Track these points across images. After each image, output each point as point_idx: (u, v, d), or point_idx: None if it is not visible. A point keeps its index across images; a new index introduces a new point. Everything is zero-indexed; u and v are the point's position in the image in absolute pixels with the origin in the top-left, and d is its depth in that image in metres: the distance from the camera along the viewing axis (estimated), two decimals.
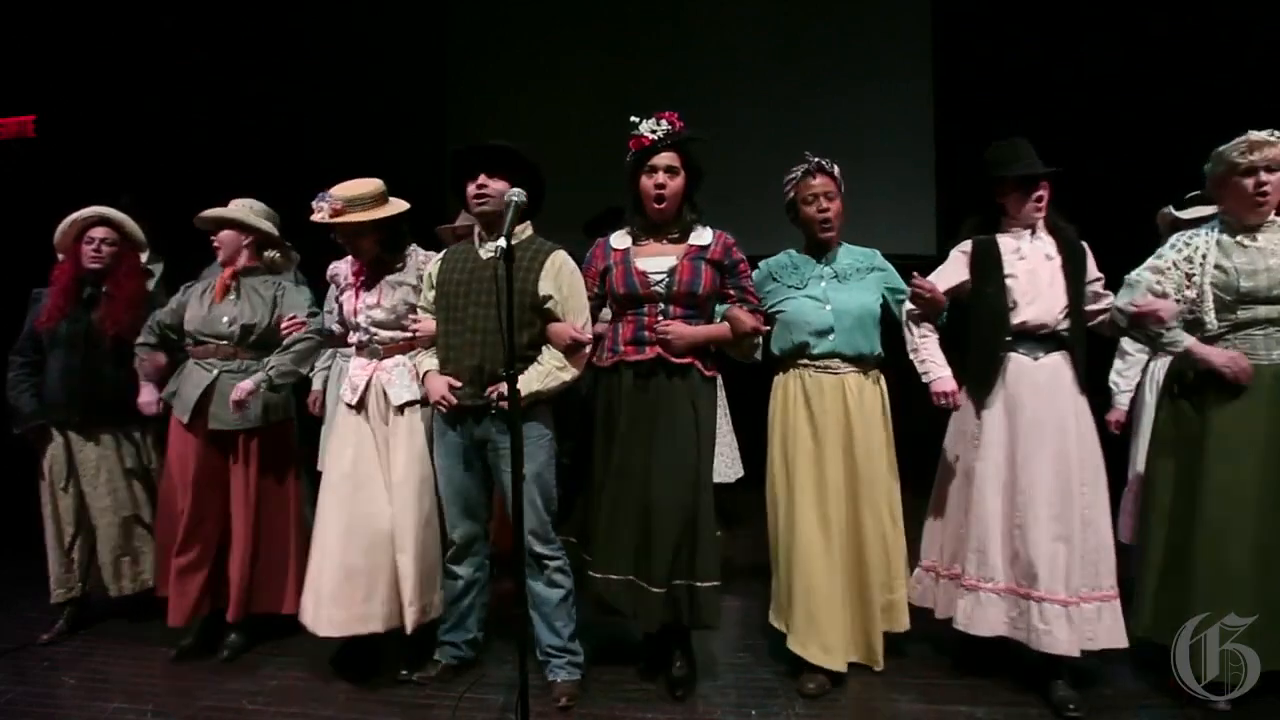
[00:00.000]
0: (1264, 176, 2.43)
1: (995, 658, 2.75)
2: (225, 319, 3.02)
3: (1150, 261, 2.60)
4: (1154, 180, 3.30)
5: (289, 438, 3.20)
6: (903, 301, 2.78)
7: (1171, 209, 3.21)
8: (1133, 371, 3.45)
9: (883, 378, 2.83)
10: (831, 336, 2.71)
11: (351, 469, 2.81)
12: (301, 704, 2.69)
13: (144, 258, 3.45)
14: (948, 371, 2.71)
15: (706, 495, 2.64)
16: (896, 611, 2.78)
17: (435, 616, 2.84)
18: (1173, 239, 2.63)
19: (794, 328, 2.75)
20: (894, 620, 2.79)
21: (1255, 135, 2.44)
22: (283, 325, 3.01)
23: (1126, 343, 3.39)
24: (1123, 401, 3.49)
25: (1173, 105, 4.54)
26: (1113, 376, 3.50)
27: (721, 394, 3.84)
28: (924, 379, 2.73)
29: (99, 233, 3.23)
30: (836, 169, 2.78)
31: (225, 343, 3.02)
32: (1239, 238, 2.51)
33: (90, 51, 5.18)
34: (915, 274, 2.67)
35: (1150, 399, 3.24)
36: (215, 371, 3.00)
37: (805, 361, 2.75)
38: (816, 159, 2.76)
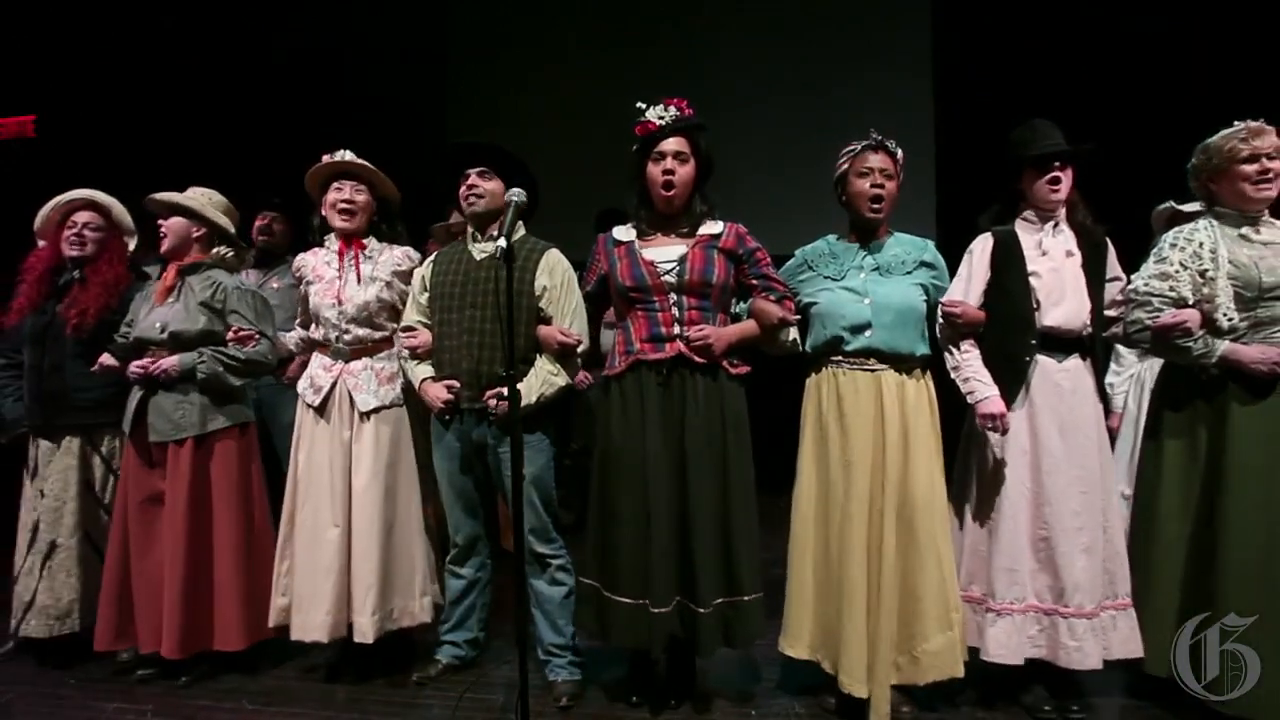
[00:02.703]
0: (1267, 164, 2.37)
1: (1022, 680, 2.55)
2: (158, 324, 2.79)
3: (1154, 268, 2.46)
4: (1156, 179, 3.28)
5: (239, 449, 2.84)
6: (937, 309, 2.56)
7: (1173, 203, 3.14)
8: (1127, 374, 3.37)
9: (929, 377, 2.57)
10: (868, 333, 2.47)
11: (303, 474, 2.81)
12: (301, 704, 2.68)
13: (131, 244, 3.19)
14: (995, 391, 2.46)
15: (742, 503, 2.49)
16: (942, 657, 2.41)
17: (416, 623, 2.81)
18: (1168, 237, 2.50)
19: (827, 321, 2.52)
20: (938, 666, 2.41)
21: (1252, 123, 2.40)
22: (231, 335, 2.80)
23: (1121, 346, 3.27)
24: (1119, 405, 3.38)
25: (1174, 104, 4.53)
26: (1108, 378, 3.32)
27: None
28: (969, 399, 2.50)
29: (83, 217, 2.99)
30: (900, 152, 2.56)
31: (158, 349, 2.78)
32: (1242, 231, 2.43)
33: (90, 51, 5.18)
34: (941, 301, 2.53)
35: (1133, 405, 3.18)
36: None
37: (839, 359, 2.52)
38: (879, 136, 2.55)
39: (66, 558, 2.93)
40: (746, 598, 2.48)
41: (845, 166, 2.59)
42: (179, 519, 2.72)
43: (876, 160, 2.53)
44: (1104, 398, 2.56)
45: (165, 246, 2.86)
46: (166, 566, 2.73)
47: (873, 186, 2.52)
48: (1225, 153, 2.42)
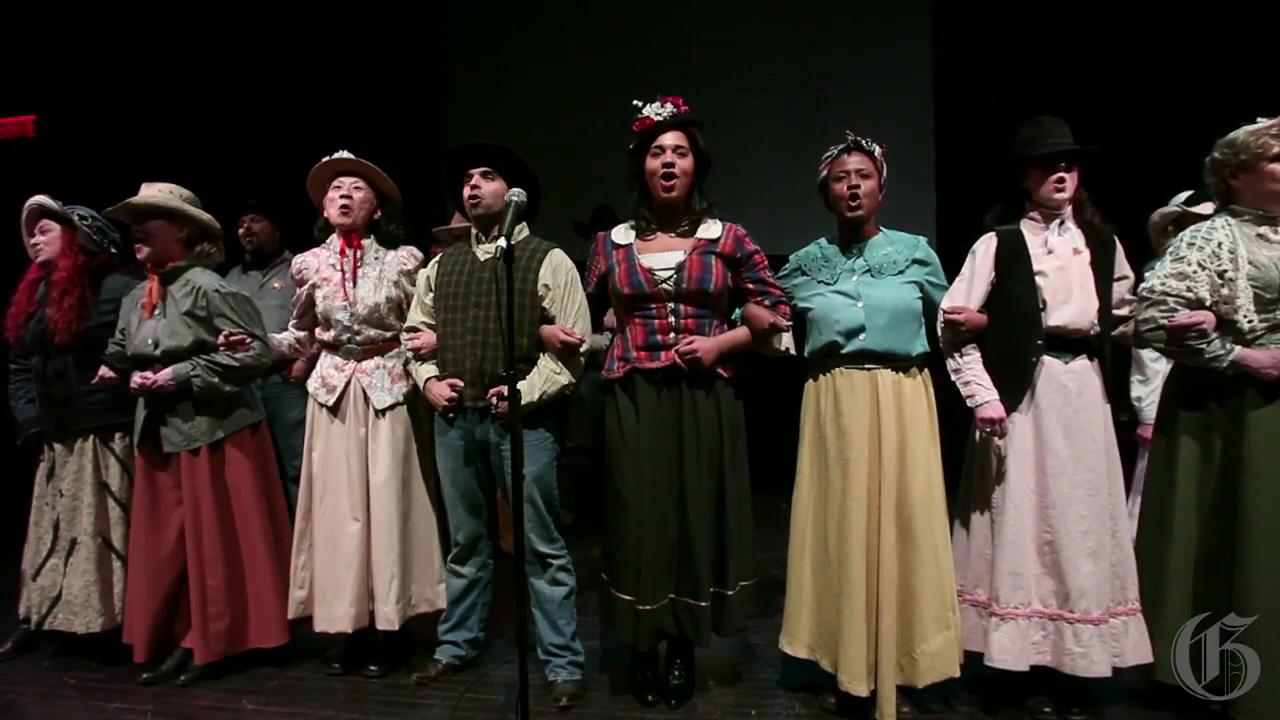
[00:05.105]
0: None
1: (1028, 688, 2.51)
2: (150, 340, 2.75)
3: (1171, 267, 2.39)
4: (1157, 177, 3.27)
5: (252, 449, 2.87)
6: (938, 306, 2.55)
7: (1180, 206, 3.05)
8: (1155, 383, 3.14)
9: (928, 375, 2.56)
10: (863, 336, 2.47)
11: (320, 471, 2.84)
12: (301, 704, 2.68)
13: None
14: (994, 395, 2.44)
15: (736, 503, 2.54)
16: (940, 657, 2.41)
17: (425, 611, 2.87)
18: (1185, 236, 2.44)
19: (822, 327, 2.53)
20: (937, 667, 2.41)
21: None
22: (221, 340, 2.76)
23: (1146, 355, 3.14)
24: (1149, 416, 3.11)
25: (1176, 102, 4.53)
26: (1136, 390, 3.17)
27: None
28: (969, 403, 2.49)
29: (40, 225, 3.00)
30: (878, 149, 2.56)
31: (157, 365, 2.75)
32: (1260, 230, 2.36)
33: (90, 51, 5.18)
34: (942, 308, 2.51)
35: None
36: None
37: (836, 363, 2.53)
38: (855, 136, 2.55)
39: (86, 556, 2.94)
40: (729, 591, 2.53)
41: (824, 172, 2.61)
42: (207, 527, 2.75)
43: (853, 162, 2.54)
44: (1112, 399, 2.51)
45: (148, 253, 2.77)
46: (194, 575, 2.75)
47: (849, 188, 2.53)
48: (1255, 149, 2.33)
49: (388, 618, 2.77)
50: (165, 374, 2.72)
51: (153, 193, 2.80)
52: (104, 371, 2.82)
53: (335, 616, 2.77)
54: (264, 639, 2.83)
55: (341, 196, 2.82)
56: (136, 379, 2.75)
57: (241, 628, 2.83)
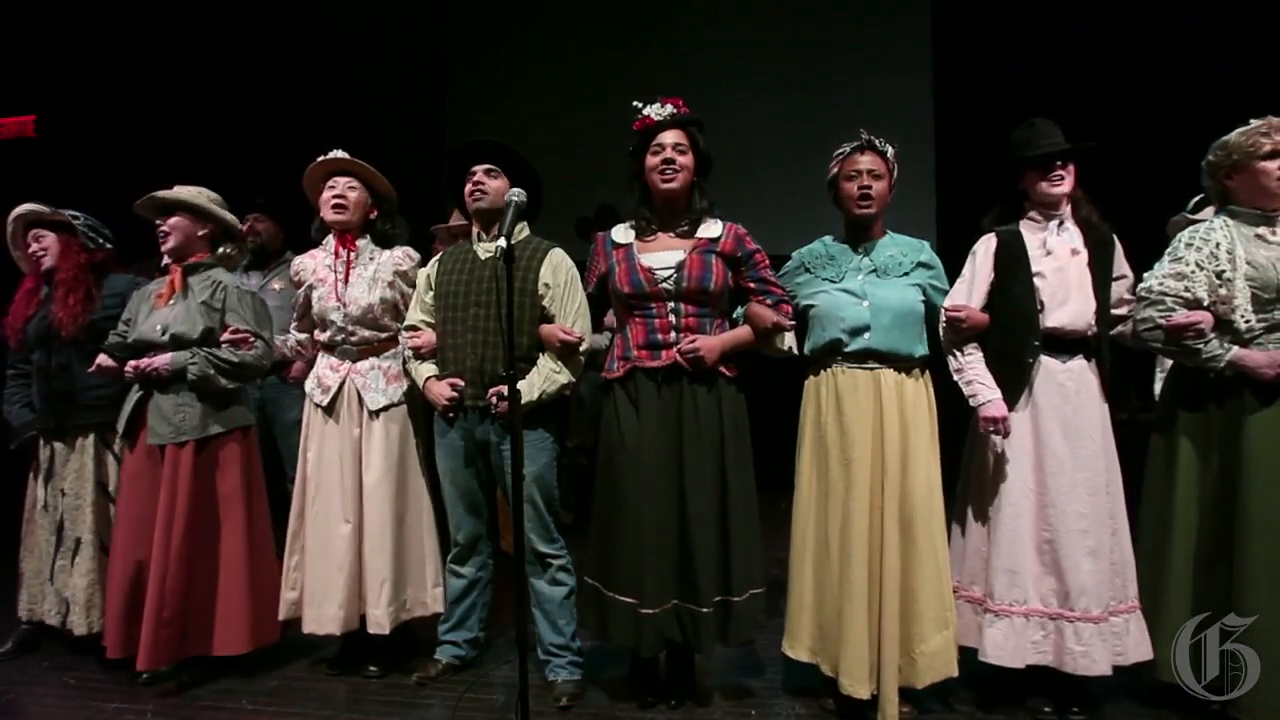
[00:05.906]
0: None
1: (1026, 687, 2.51)
2: (159, 326, 2.77)
3: (1169, 267, 2.42)
4: (1157, 176, 3.27)
5: (241, 452, 2.83)
6: (939, 312, 2.54)
7: (1186, 214, 3.08)
8: None
9: (928, 377, 2.56)
10: (867, 335, 2.47)
11: (314, 472, 2.83)
12: (301, 704, 2.68)
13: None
14: (998, 394, 2.44)
15: (741, 505, 2.50)
16: (939, 658, 2.41)
17: (420, 614, 2.86)
18: (1183, 236, 2.45)
19: (826, 323, 2.52)
20: (936, 667, 2.41)
21: (1274, 119, 2.36)
22: (226, 336, 2.77)
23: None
24: None
25: (1176, 101, 4.53)
26: (1160, 387, 3.14)
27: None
28: (971, 402, 2.49)
29: (36, 232, 3.03)
30: (890, 150, 2.55)
31: (158, 352, 2.75)
32: (1259, 231, 2.38)
33: (90, 51, 5.18)
34: (944, 307, 2.51)
35: None
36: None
37: (838, 360, 2.52)
38: (868, 135, 2.54)
39: (90, 556, 2.95)
40: (736, 598, 2.49)
41: (835, 170, 2.60)
42: (178, 524, 2.70)
43: (865, 161, 2.54)
44: (1110, 399, 2.51)
45: (170, 245, 2.81)
46: (155, 573, 2.67)
47: (860, 188, 2.53)
48: (1246, 148, 2.37)
49: (378, 621, 2.75)
50: (163, 359, 2.72)
51: (186, 191, 2.86)
52: (103, 360, 2.81)
53: (325, 618, 2.76)
54: (228, 646, 2.75)
55: (335, 196, 2.82)
56: (130, 365, 2.74)
57: (197, 635, 2.73)
